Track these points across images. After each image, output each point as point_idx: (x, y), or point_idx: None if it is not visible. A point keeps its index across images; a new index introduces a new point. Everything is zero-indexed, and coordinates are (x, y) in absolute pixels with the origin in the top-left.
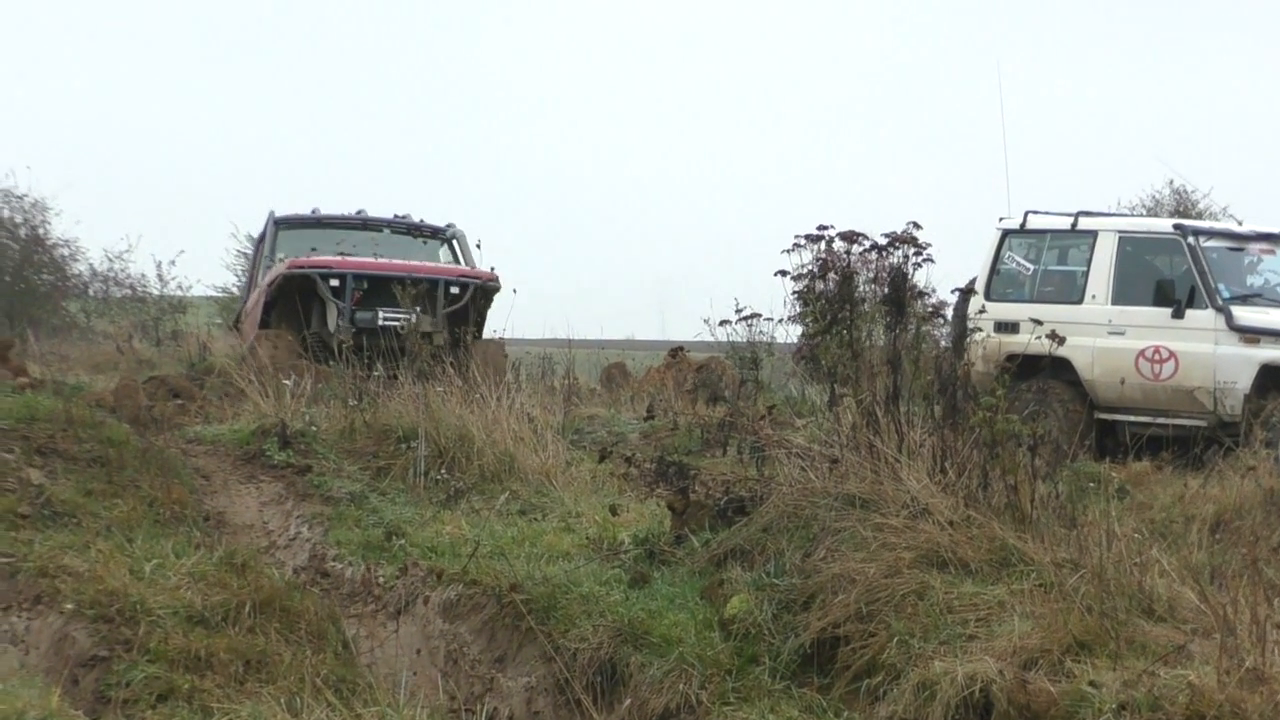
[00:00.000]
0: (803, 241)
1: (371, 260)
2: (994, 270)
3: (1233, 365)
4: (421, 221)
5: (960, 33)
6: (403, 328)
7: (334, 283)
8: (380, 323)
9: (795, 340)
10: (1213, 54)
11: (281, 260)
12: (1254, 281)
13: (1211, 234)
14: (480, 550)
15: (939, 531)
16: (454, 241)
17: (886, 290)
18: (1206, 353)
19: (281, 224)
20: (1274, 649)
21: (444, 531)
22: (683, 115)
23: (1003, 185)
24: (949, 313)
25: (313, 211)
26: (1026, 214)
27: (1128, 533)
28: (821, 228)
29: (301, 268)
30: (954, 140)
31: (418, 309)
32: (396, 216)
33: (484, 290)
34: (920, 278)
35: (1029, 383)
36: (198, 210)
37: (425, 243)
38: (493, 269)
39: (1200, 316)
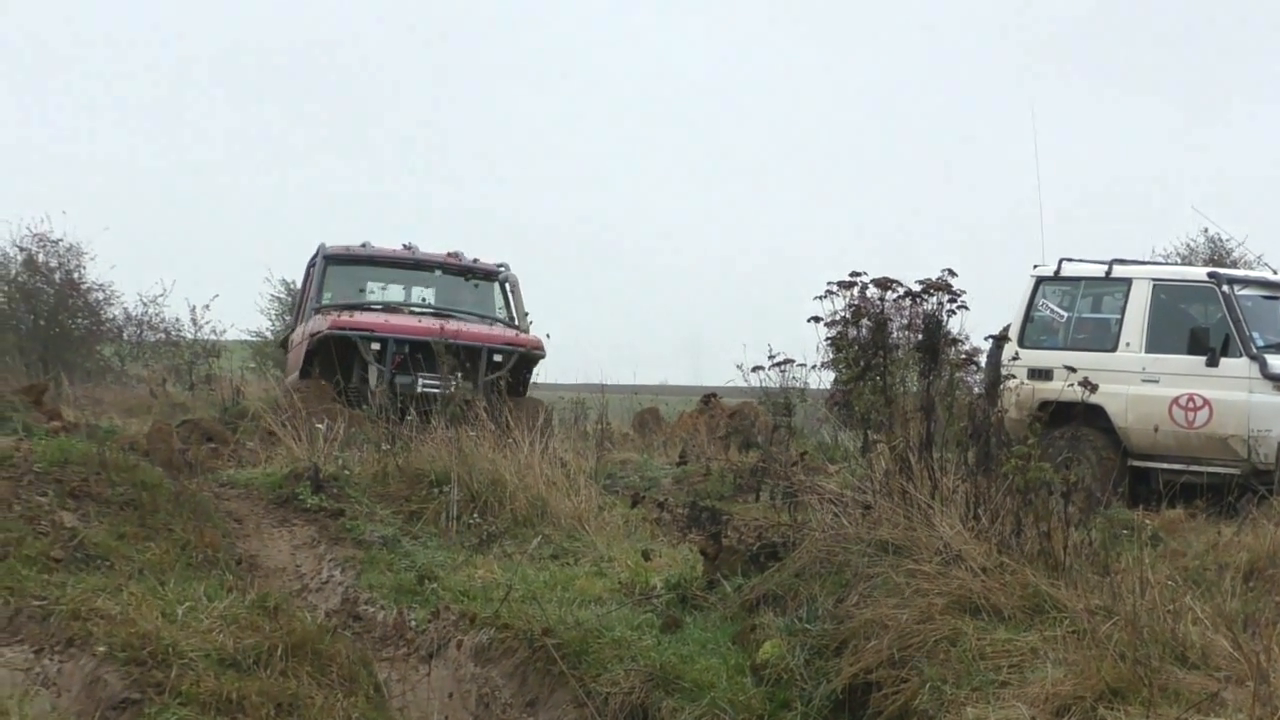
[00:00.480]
0: (835, 288)
1: (414, 324)
2: (1028, 317)
3: (1267, 413)
4: (475, 261)
5: (995, 81)
6: (441, 395)
7: (375, 346)
8: (420, 389)
9: (828, 386)
10: (1249, 103)
11: (329, 301)
12: None
13: (1246, 282)
14: (512, 594)
15: (972, 578)
16: (506, 285)
17: (920, 337)
18: (1240, 401)
19: (331, 259)
20: None
21: (476, 575)
22: (715, 162)
23: (1036, 232)
24: (982, 360)
25: (363, 245)
26: (1060, 261)
27: (1161, 580)
28: (854, 274)
29: (343, 329)
30: (987, 187)
31: (458, 374)
32: (449, 255)
33: (527, 358)
34: (954, 324)
35: (1062, 430)
36: (232, 255)
37: (477, 285)
38: (531, 323)
39: (1234, 365)
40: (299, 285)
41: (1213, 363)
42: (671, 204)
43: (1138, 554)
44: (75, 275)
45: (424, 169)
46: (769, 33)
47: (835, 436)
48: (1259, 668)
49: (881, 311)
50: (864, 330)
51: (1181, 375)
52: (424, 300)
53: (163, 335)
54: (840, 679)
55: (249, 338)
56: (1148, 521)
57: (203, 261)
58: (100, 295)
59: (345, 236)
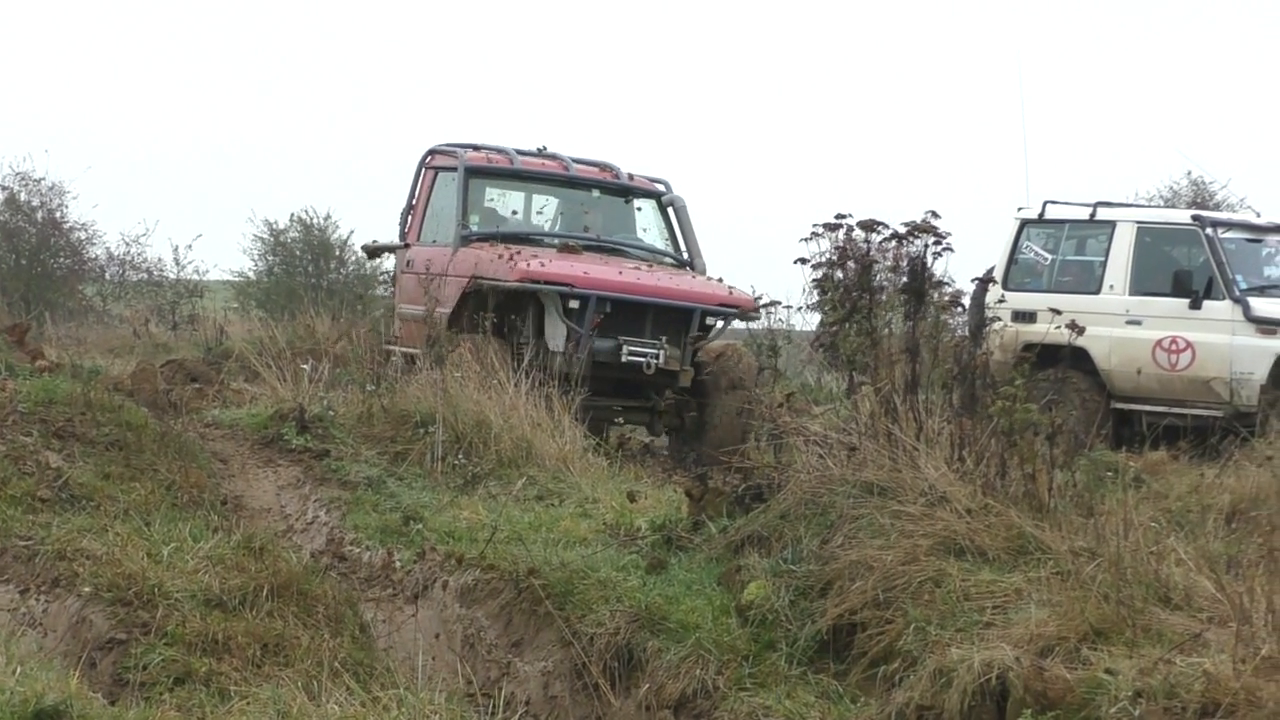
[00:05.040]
0: (821, 230)
1: (621, 279)
2: (1012, 260)
3: (1249, 356)
4: (632, 178)
5: (980, 21)
6: (648, 364)
7: (573, 304)
8: (625, 358)
9: (813, 328)
10: (1232, 44)
11: (478, 227)
12: (1271, 273)
13: (1229, 225)
14: (498, 535)
15: (956, 519)
16: (670, 209)
17: (905, 279)
18: (1223, 343)
19: (474, 173)
20: None
21: (461, 516)
22: (697, 103)
23: (1021, 175)
24: (967, 302)
25: (474, 148)
26: (1045, 204)
27: (1144, 522)
28: (840, 216)
29: (534, 280)
30: (972, 129)
31: (663, 339)
32: (603, 168)
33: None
34: (939, 267)
35: (1046, 372)
36: (215, 195)
37: (640, 209)
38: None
39: (1217, 307)
40: (411, 188)
41: (1196, 305)
42: (655, 141)
43: (1121, 496)
44: (57, 214)
45: (406, 100)
46: None
47: (820, 378)
48: (1241, 608)
49: (867, 253)
50: (849, 272)
51: (1165, 318)
52: (540, 212)
53: (145, 275)
54: (825, 620)
55: (232, 278)
56: (1131, 464)
57: (185, 201)
58: (83, 234)
59: (323, 182)
